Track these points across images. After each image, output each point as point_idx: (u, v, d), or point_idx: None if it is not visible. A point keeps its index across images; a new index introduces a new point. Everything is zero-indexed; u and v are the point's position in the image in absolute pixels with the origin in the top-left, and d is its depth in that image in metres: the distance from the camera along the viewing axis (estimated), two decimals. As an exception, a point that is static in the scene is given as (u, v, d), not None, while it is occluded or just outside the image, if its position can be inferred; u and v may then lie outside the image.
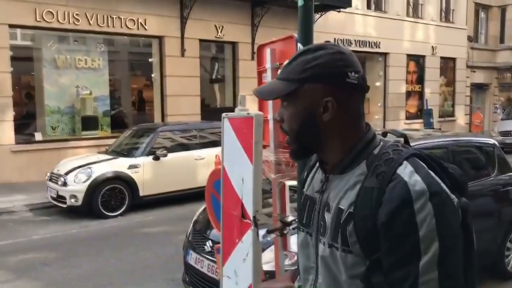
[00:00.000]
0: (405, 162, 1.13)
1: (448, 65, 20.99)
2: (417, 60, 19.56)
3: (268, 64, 3.07)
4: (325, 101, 1.16)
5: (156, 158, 8.41)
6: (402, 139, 1.29)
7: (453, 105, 21.52)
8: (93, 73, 12.04)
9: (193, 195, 8.25)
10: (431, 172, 1.13)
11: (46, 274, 5.33)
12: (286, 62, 1.23)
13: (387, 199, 1.08)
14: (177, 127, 9.50)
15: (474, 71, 21.95)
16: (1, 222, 7.72)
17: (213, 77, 14.58)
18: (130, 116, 13.79)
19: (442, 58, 20.26)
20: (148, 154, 8.45)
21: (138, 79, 14.60)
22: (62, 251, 6.12)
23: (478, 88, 23.14)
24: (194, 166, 8.78)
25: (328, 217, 1.20)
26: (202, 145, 9.09)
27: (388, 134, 1.39)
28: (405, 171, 1.11)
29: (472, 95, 22.72)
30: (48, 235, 6.93)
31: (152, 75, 13.11)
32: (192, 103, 13.02)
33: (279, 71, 1.25)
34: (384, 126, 17.80)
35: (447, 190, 1.11)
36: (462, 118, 21.71)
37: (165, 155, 8.48)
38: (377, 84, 18.41)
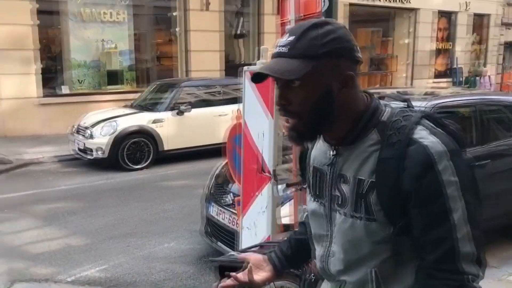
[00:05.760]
0: (416, 126, 1.13)
1: (480, 21, 20.17)
2: (448, 17, 18.83)
3: (291, 16, 3.00)
4: (344, 76, 1.14)
5: (180, 113, 8.47)
6: (406, 103, 1.27)
7: (484, 64, 20.81)
8: (118, 27, 12.03)
9: (216, 151, 8.28)
10: (440, 131, 1.14)
11: (72, 222, 5.53)
12: (289, 38, 1.15)
13: (408, 166, 1.09)
14: (200, 83, 9.49)
15: (509, 28, 21.05)
16: (29, 172, 7.99)
17: (237, 32, 14.38)
18: (153, 71, 13.79)
19: (475, 14, 19.44)
20: (171, 109, 8.51)
21: (162, 33, 14.49)
22: (88, 201, 6.32)
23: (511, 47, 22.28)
24: (217, 122, 8.79)
25: (346, 188, 1.20)
26: (225, 101, 9.07)
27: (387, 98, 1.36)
28: (420, 134, 1.11)
29: (505, 54, 21.89)
30: (74, 185, 7.14)
31: (176, 30, 13.01)
32: (216, 58, 12.93)
33: (280, 49, 1.16)
34: (411, 84, 17.43)
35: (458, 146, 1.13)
36: (493, 77, 21.02)
37: (189, 111, 8.53)
38: (405, 41, 17.86)
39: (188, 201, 6.15)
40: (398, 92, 5.09)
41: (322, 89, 1.14)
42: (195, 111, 8.62)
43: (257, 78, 1.21)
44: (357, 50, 1.17)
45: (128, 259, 4.50)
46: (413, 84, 17.48)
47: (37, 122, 10.54)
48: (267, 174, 2.90)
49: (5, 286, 3.81)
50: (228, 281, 1.44)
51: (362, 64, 1.22)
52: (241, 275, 1.43)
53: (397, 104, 1.26)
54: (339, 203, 1.22)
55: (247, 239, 3.06)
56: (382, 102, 1.24)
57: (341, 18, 14.63)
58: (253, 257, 1.52)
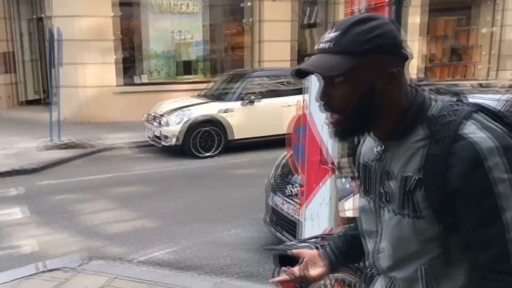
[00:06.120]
0: (465, 121, 1.08)
1: None
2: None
3: (361, 5, 2.93)
4: (389, 73, 1.12)
5: (249, 103, 8.59)
6: (455, 97, 1.20)
7: None
8: (192, 18, 12.38)
9: (283, 141, 8.32)
10: (495, 126, 1.07)
11: (145, 205, 5.82)
12: (333, 34, 1.13)
13: (455, 163, 1.05)
14: (269, 73, 9.54)
15: None
16: (105, 157, 8.49)
17: (307, 22, 14.25)
18: (226, 61, 14.05)
19: None
20: (241, 99, 8.66)
21: (235, 24, 14.69)
22: (159, 186, 6.61)
23: None
24: (286, 112, 8.77)
25: (393, 185, 1.18)
26: (294, 91, 9.03)
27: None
28: (469, 129, 1.06)
29: None
30: (148, 171, 7.50)
31: (249, 20, 13.14)
32: (287, 48, 12.92)
33: (323, 44, 1.14)
34: (496, 76, 16.39)
35: None
36: None
37: (258, 101, 8.63)
38: (490, 30, 16.76)
39: (253, 190, 6.23)
40: (478, 84, 4.83)
41: (365, 86, 1.12)
42: (264, 101, 8.70)
43: (300, 74, 1.20)
44: (404, 46, 1.14)
45: (194, 243, 4.67)
46: (498, 75, 16.41)
47: (115, 110, 11.14)
48: (330, 166, 2.88)
49: (83, 262, 4.10)
50: (284, 276, 1.47)
51: (412, 59, 1.18)
52: (297, 270, 1.45)
53: (449, 98, 1.20)
54: (387, 199, 1.20)
55: (308, 230, 3.06)
56: (431, 96, 1.20)
57: (417, 6, 14.03)
58: (308, 252, 1.53)
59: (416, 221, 1.13)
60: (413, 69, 14.96)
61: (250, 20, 13.06)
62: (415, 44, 14.63)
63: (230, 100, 8.75)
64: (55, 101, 9.44)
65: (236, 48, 14.41)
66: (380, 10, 2.76)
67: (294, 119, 3.54)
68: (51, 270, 3.94)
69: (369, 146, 1.29)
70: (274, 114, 8.74)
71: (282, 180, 4.43)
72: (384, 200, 1.21)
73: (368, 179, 1.28)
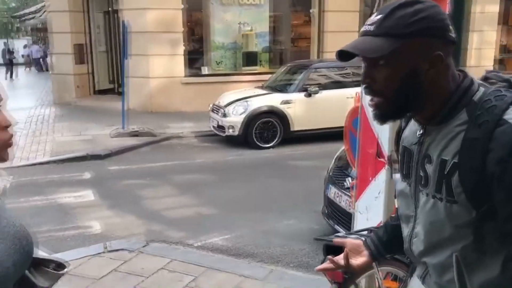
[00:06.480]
0: (511, 106, 1.05)
1: None
2: None
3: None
4: (433, 56, 1.11)
5: (309, 94, 8.56)
6: (505, 84, 1.17)
7: None
8: (255, 10, 12.47)
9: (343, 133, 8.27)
10: None
11: (204, 192, 6.02)
12: (376, 17, 1.14)
13: (495, 147, 1.03)
14: (330, 64, 9.43)
15: None
16: (171, 145, 8.83)
17: (373, 11, 13.87)
18: (288, 52, 14.06)
19: None
20: (300, 91, 8.64)
21: (298, 14, 14.64)
22: (219, 175, 6.80)
23: None
24: (346, 104, 8.66)
25: (430, 168, 1.18)
26: (355, 83, 8.89)
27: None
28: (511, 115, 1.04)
29: None
30: (209, 160, 7.72)
31: (311, 11, 13.04)
32: (351, 39, 12.36)
33: (367, 27, 1.15)
34: None
35: None
36: None
37: (318, 92, 8.58)
38: None
39: (311, 181, 6.25)
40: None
41: (408, 68, 1.12)
42: (324, 93, 8.63)
43: (343, 56, 1.20)
44: (450, 30, 1.13)
45: (250, 231, 4.78)
46: None
47: (179, 100, 11.52)
48: (382, 159, 2.85)
49: (143, 245, 4.34)
50: (327, 264, 1.50)
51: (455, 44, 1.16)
52: (340, 259, 1.47)
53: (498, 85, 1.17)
54: (423, 183, 1.20)
55: (360, 223, 3.05)
56: (478, 82, 1.18)
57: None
58: (350, 242, 1.54)
59: (450, 206, 1.12)
60: (490, 60, 14.19)
61: (313, 10, 12.96)
62: (492, 34, 13.86)
63: (290, 91, 8.77)
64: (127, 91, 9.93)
65: (300, 39, 14.37)
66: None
67: (351, 111, 3.52)
68: (116, 250, 4.20)
69: (411, 130, 1.29)
70: (335, 106, 8.64)
71: (338, 172, 4.42)
72: (421, 183, 1.21)
73: (408, 162, 1.28)
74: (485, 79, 1.23)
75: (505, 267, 1.10)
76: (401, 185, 1.33)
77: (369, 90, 1.19)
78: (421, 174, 1.21)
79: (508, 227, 1.05)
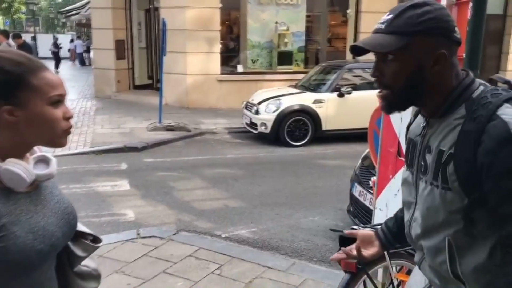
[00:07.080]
0: (505, 103, 1.16)
1: None
2: None
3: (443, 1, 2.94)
4: (437, 54, 1.22)
5: (341, 95, 8.61)
6: (505, 85, 1.29)
7: None
8: (292, 9, 12.57)
9: (374, 134, 8.28)
10: None
11: (234, 187, 6.21)
12: (387, 16, 1.26)
13: (485, 140, 1.14)
14: (364, 65, 9.43)
15: None
16: (204, 140, 9.08)
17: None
18: (323, 52, 14.10)
19: None
20: (333, 91, 8.70)
21: (335, 15, 14.65)
22: (249, 170, 6.98)
23: None
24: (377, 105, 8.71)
25: (429, 158, 1.29)
26: (389, 84, 8.89)
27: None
28: (504, 111, 1.14)
29: None
30: (240, 155, 7.91)
31: (348, 11, 13.03)
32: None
33: (378, 25, 1.27)
34: None
35: None
36: None
37: (350, 93, 8.62)
38: None
39: (338, 180, 6.35)
40: None
41: (414, 64, 1.24)
42: (356, 93, 8.66)
43: (356, 51, 1.32)
44: (455, 31, 1.24)
45: (275, 226, 4.93)
46: None
47: (214, 97, 11.77)
48: (403, 158, 2.94)
49: (173, 233, 4.56)
50: (339, 254, 1.59)
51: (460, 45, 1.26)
52: (352, 250, 1.56)
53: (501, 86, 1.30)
54: (423, 171, 1.32)
55: (379, 220, 3.15)
56: (480, 81, 1.29)
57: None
58: (361, 233, 1.63)
59: (445, 192, 1.23)
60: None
61: (348, 11, 12.95)
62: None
63: (323, 91, 8.85)
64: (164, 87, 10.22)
65: (336, 39, 14.37)
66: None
67: (375, 111, 3.61)
68: (147, 237, 4.43)
69: (418, 122, 1.41)
70: (367, 106, 8.53)
71: (363, 171, 4.51)
72: (422, 171, 1.33)
73: (412, 152, 1.41)
74: (490, 80, 1.35)
75: (492, 253, 1.20)
76: (405, 173, 1.45)
77: (378, 83, 1.32)
78: (422, 163, 1.33)
79: (496, 214, 1.15)
